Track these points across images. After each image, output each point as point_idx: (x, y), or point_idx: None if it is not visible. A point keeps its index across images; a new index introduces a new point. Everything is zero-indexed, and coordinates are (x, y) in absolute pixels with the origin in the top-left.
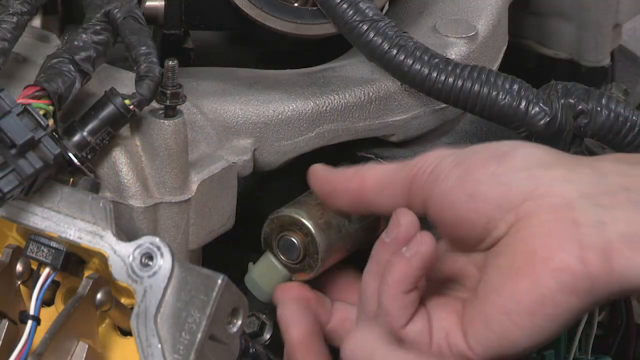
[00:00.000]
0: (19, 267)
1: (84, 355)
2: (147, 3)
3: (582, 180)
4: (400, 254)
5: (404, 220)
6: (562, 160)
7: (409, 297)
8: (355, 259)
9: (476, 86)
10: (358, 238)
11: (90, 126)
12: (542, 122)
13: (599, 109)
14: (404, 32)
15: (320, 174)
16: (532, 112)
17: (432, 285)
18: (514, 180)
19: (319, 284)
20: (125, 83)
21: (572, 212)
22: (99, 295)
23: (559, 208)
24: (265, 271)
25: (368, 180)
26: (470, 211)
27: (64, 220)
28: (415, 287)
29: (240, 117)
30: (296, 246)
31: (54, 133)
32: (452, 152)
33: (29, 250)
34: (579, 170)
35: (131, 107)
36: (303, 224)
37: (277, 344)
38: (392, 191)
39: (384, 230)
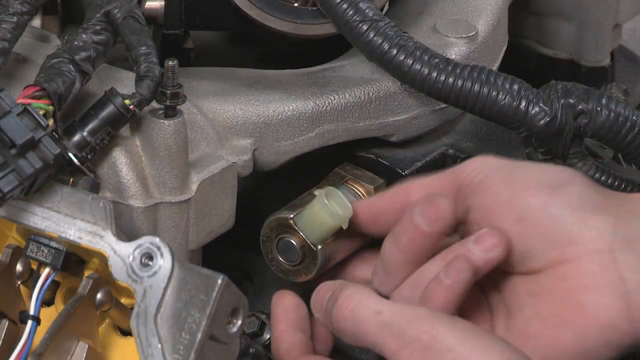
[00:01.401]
0: (19, 267)
1: (84, 355)
2: (147, 3)
3: (629, 231)
4: (440, 281)
5: (443, 213)
6: (611, 205)
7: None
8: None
9: (476, 86)
10: (358, 237)
11: (90, 126)
12: (542, 122)
13: (599, 109)
14: (404, 32)
15: (361, 204)
16: (532, 112)
17: None
18: (564, 218)
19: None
20: (125, 83)
21: (620, 267)
22: (99, 295)
23: (607, 260)
24: (312, 219)
25: (413, 194)
26: (514, 234)
27: (64, 220)
28: (456, 310)
29: (240, 117)
30: (295, 248)
31: (54, 133)
32: (501, 165)
33: (29, 250)
34: (629, 220)
35: (131, 107)
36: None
37: None
38: None
39: (418, 208)
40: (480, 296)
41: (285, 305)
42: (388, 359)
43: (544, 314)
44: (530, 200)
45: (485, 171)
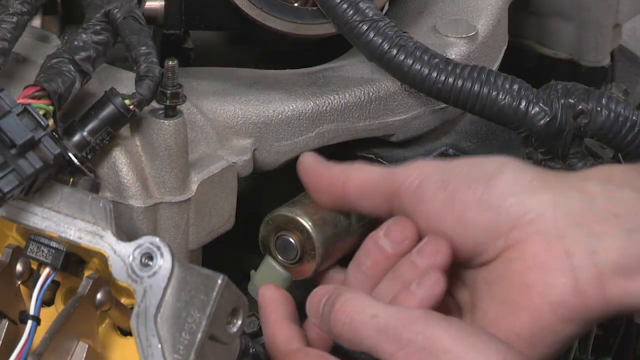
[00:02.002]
0: (19, 267)
1: (84, 355)
2: (147, 3)
3: (571, 206)
4: (411, 292)
5: (410, 233)
6: (549, 184)
7: None
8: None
9: (476, 86)
10: (356, 236)
11: (90, 126)
12: (542, 122)
13: (599, 109)
14: (404, 32)
15: (309, 164)
16: (532, 112)
17: None
18: (501, 206)
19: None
20: (125, 83)
21: (564, 242)
22: (99, 295)
23: (550, 238)
24: (267, 276)
25: (351, 183)
26: (458, 235)
27: (64, 220)
28: None
29: (240, 117)
30: (293, 245)
31: (54, 133)
32: (436, 169)
33: (29, 250)
34: (567, 195)
35: (131, 107)
36: (298, 222)
37: None
38: (374, 199)
39: (382, 232)
40: (447, 296)
41: (274, 297)
42: None
43: (498, 299)
44: (465, 199)
45: (420, 177)
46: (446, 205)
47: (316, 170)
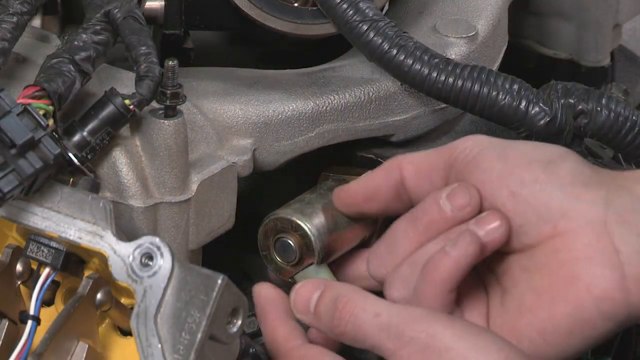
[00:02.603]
0: (19, 267)
1: (84, 355)
2: (147, 3)
3: (622, 204)
4: (446, 252)
5: (474, 201)
6: (603, 180)
7: (451, 297)
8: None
9: (476, 86)
10: (355, 235)
11: (90, 126)
12: (542, 122)
13: (599, 109)
14: (404, 32)
15: (355, 185)
16: (532, 112)
17: None
18: (557, 192)
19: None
20: (125, 83)
21: (613, 239)
22: (99, 295)
23: (599, 232)
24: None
25: (406, 169)
26: (508, 209)
27: (64, 220)
28: (457, 286)
29: (240, 117)
30: (292, 247)
31: (54, 133)
32: (494, 143)
33: (29, 250)
34: (619, 194)
35: (131, 107)
36: (297, 224)
37: None
38: (432, 176)
39: (445, 193)
40: (475, 278)
41: (270, 295)
42: (390, 359)
43: (538, 288)
44: (523, 175)
45: (478, 148)
46: (502, 178)
47: (367, 178)
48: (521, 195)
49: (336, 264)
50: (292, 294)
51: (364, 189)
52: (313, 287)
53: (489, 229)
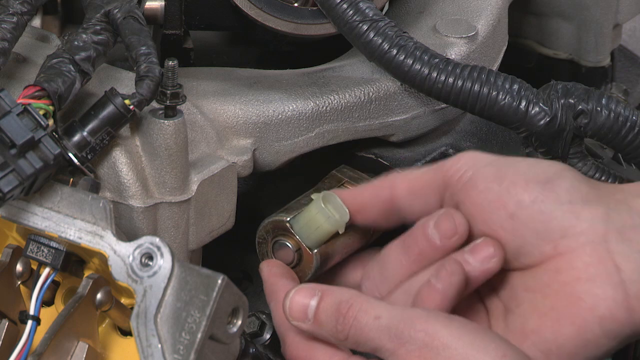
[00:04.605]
0: (19, 267)
1: (84, 355)
2: (147, 3)
3: (622, 221)
4: (432, 285)
5: (461, 229)
6: (602, 197)
7: None
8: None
9: (476, 86)
10: (353, 240)
11: (90, 126)
12: (542, 122)
13: (599, 109)
14: (404, 32)
15: (346, 194)
16: (532, 112)
17: None
18: (556, 212)
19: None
20: (125, 83)
21: (614, 257)
22: (99, 295)
23: (601, 251)
24: (309, 223)
25: (399, 188)
26: (507, 231)
27: (64, 220)
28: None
29: (240, 117)
30: (290, 250)
31: (54, 133)
32: (490, 161)
33: (29, 250)
34: (618, 210)
35: (131, 107)
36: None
37: (277, 344)
38: (425, 195)
39: (432, 222)
40: (475, 297)
41: (277, 272)
42: None
43: (541, 309)
44: (521, 196)
45: (474, 167)
46: (499, 199)
47: (356, 194)
48: (520, 216)
49: (332, 272)
50: (286, 301)
51: (351, 201)
52: (308, 293)
53: (483, 257)
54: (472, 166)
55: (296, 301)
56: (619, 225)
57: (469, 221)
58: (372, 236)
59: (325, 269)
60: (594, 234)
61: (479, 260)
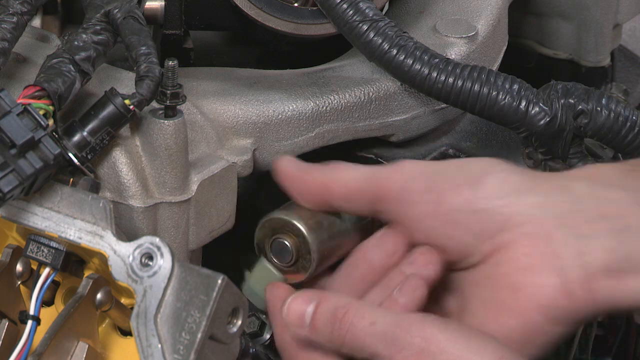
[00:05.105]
0: (19, 267)
1: (84, 355)
2: (147, 3)
3: (558, 207)
4: (395, 300)
5: (401, 248)
6: (535, 185)
7: None
8: None
9: (476, 86)
10: (352, 238)
11: (90, 126)
12: (542, 122)
13: (599, 109)
14: (404, 32)
15: (287, 170)
16: (532, 112)
17: None
18: (488, 208)
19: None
20: (125, 83)
21: (552, 244)
22: (99, 295)
23: (538, 239)
24: (261, 278)
25: (335, 186)
26: (445, 238)
27: (64, 220)
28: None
29: (240, 117)
30: (288, 249)
31: (54, 133)
32: (420, 172)
33: (29, 250)
34: (554, 197)
35: (131, 107)
36: (294, 225)
37: None
38: (358, 202)
39: (372, 244)
40: (433, 304)
41: (280, 294)
42: None
43: (485, 302)
44: (452, 202)
45: (405, 181)
46: (432, 209)
47: (296, 176)
48: (454, 222)
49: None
50: (284, 309)
51: (296, 182)
52: (305, 300)
53: (420, 267)
54: (401, 179)
55: (293, 308)
56: (557, 211)
57: (409, 234)
58: (374, 231)
59: (324, 267)
60: (530, 224)
61: (418, 270)
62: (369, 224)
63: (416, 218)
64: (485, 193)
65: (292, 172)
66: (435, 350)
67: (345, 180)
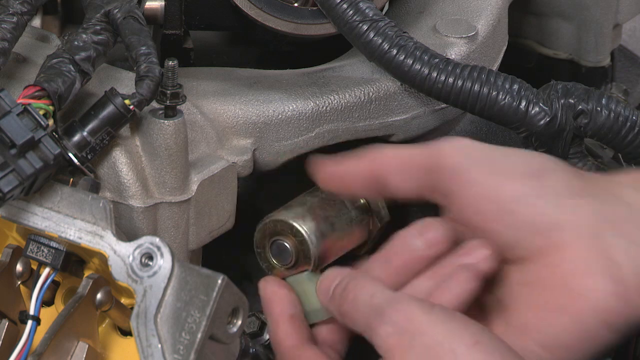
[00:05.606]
0: (19, 267)
1: (84, 355)
2: (147, 3)
3: (612, 212)
4: (446, 288)
5: (446, 238)
6: (595, 190)
7: None
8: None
9: (476, 86)
10: (351, 237)
11: (90, 126)
12: (542, 122)
13: (599, 109)
14: (404, 32)
15: (325, 164)
16: (532, 112)
17: None
18: (546, 205)
19: None
20: (125, 83)
21: (607, 248)
22: (99, 295)
23: (593, 243)
24: (303, 293)
25: (389, 163)
26: (499, 223)
27: (64, 220)
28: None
29: (240, 117)
30: (288, 250)
31: (54, 133)
32: (481, 151)
33: (29, 250)
34: (608, 202)
35: (131, 107)
36: (293, 226)
37: None
38: (412, 175)
39: (415, 232)
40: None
41: (275, 292)
42: (373, 340)
43: (538, 303)
44: (512, 190)
45: (465, 157)
46: (490, 192)
47: (337, 166)
48: (511, 210)
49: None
50: (319, 281)
51: (335, 172)
52: (336, 275)
53: (477, 260)
54: (462, 155)
55: (324, 282)
56: (611, 217)
57: (461, 212)
58: (370, 236)
59: (325, 264)
60: (585, 226)
61: (471, 261)
62: (366, 222)
63: (471, 197)
64: (548, 189)
65: (329, 164)
66: (416, 331)
67: (397, 152)
